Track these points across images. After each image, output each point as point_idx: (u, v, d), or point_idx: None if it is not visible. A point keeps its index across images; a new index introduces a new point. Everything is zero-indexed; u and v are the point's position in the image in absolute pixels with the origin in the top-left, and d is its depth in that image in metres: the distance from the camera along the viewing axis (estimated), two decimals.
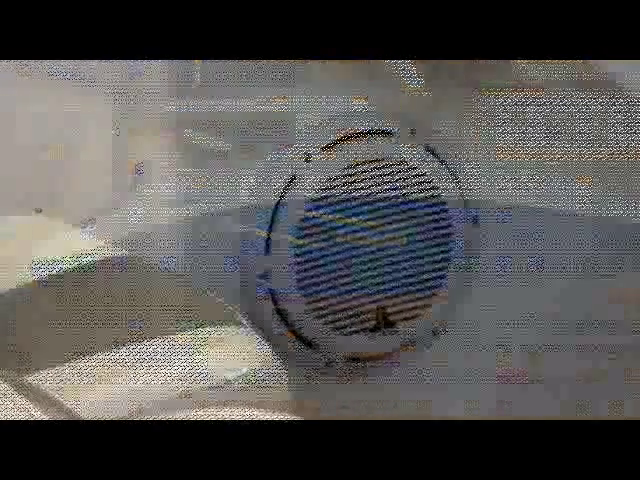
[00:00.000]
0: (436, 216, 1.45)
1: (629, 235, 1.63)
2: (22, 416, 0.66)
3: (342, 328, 1.43)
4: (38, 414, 0.65)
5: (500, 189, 1.53)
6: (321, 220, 1.43)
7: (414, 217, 1.45)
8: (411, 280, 1.46)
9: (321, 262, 1.43)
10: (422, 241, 1.46)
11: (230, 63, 1.44)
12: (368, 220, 1.45)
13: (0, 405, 0.66)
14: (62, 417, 0.68)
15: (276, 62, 1.42)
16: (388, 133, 1.43)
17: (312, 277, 1.42)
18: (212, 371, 1.02)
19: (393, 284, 1.46)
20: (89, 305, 1.11)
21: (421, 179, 1.43)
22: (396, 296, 1.45)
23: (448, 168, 1.45)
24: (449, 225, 1.46)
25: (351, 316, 1.44)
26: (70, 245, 1.25)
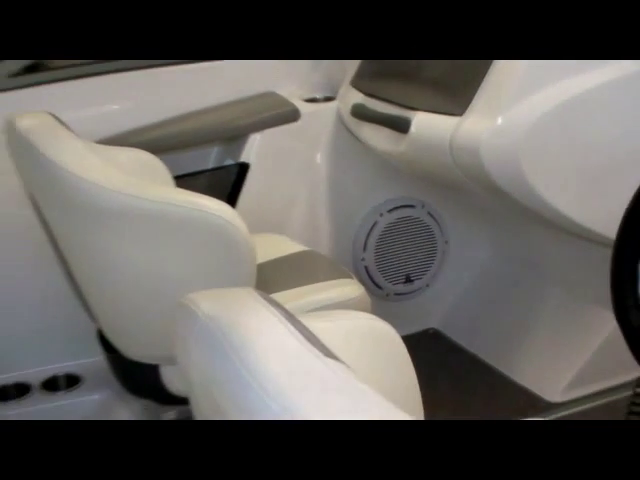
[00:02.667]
0: (430, 240, 2.17)
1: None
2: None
3: (392, 281, 2.15)
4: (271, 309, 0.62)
5: (458, 230, 2.16)
6: (386, 240, 2.07)
7: (421, 241, 2.15)
8: (419, 264, 2.16)
9: (384, 256, 2.08)
10: (424, 249, 2.16)
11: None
12: (399, 240, 2.05)
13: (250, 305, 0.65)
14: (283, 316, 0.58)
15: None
16: (412, 206, 2.11)
17: (381, 261, 2.10)
18: (336, 297, 1.35)
19: (412, 264, 2.15)
20: (283, 271, 1.49)
21: (424, 226, 2.14)
22: (413, 269, 2.16)
23: (436, 222, 2.15)
24: (435, 243, 2.17)
25: (395, 276, 2.14)
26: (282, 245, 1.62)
